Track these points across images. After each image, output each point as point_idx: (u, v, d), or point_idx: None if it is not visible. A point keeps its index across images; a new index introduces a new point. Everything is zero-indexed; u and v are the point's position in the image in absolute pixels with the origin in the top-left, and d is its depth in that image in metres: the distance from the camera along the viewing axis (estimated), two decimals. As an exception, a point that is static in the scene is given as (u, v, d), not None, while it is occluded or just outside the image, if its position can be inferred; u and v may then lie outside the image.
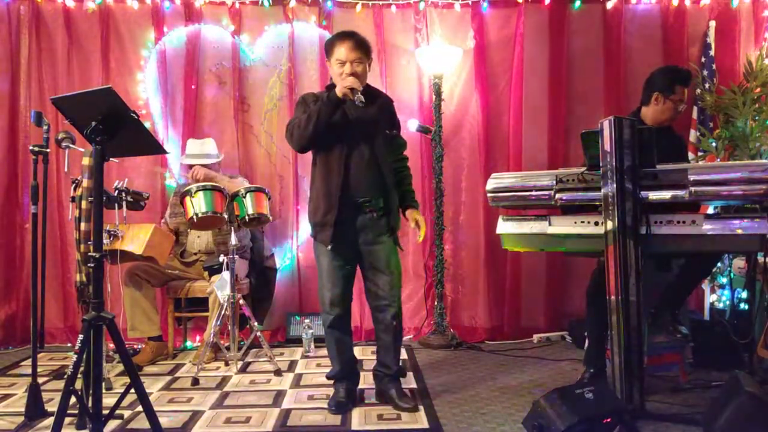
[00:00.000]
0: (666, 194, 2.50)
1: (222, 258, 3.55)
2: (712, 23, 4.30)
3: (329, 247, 2.78)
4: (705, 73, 4.25)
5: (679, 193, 2.46)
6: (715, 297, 4.03)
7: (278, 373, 3.49)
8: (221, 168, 4.06)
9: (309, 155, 4.18)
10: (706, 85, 4.21)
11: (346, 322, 2.95)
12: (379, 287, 2.88)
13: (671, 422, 2.65)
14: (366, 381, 3.29)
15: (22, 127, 4.21)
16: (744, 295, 3.62)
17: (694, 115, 4.26)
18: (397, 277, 2.91)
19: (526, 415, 2.38)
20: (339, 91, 2.67)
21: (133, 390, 2.14)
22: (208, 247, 3.98)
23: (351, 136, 2.78)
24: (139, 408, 2.30)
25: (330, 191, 2.77)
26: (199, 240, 3.99)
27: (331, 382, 3.03)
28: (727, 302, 3.85)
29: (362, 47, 2.77)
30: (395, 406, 2.88)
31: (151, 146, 2.41)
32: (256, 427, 2.71)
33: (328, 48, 2.81)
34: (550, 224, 2.74)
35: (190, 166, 3.94)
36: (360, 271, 2.96)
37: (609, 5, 4.32)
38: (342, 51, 2.74)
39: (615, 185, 2.49)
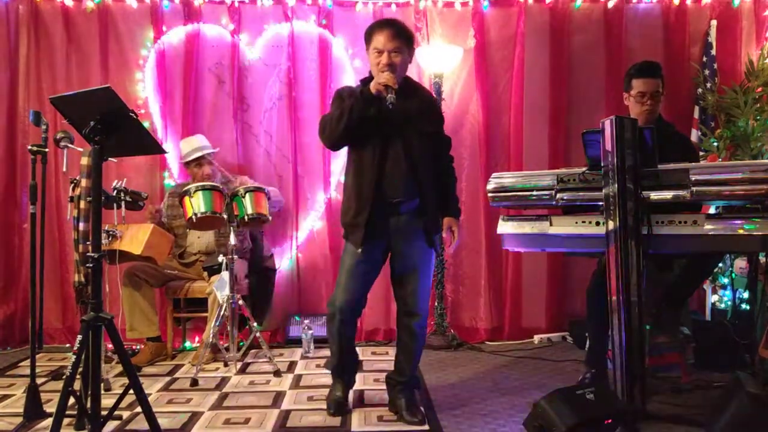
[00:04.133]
0: (667, 194, 2.49)
1: (221, 258, 3.53)
2: (714, 22, 4.29)
3: (360, 250, 2.65)
4: (706, 72, 4.24)
5: (681, 193, 2.44)
6: (717, 297, 4.02)
7: (278, 374, 3.47)
8: (215, 163, 4.03)
9: (309, 155, 4.30)
10: (708, 85, 4.20)
11: (353, 322, 2.83)
12: (408, 294, 2.74)
13: (672, 423, 2.64)
14: (366, 382, 3.29)
15: (20, 126, 4.20)
16: (745, 295, 3.61)
17: (696, 114, 4.25)
18: (427, 284, 2.78)
19: (527, 416, 2.37)
20: (373, 87, 2.52)
21: (131, 391, 2.12)
22: (208, 248, 3.96)
23: (386, 134, 2.62)
24: (138, 409, 2.30)
25: (362, 192, 2.63)
26: (198, 240, 3.98)
27: (330, 381, 2.97)
28: (729, 303, 3.84)
29: (402, 36, 2.59)
30: (400, 417, 2.76)
31: (150, 146, 2.40)
32: (255, 428, 2.70)
33: (367, 36, 2.64)
34: (551, 224, 2.73)
35: (194, 164, 3.90)
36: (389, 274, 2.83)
37: (610, 4, 4.30)
38: (380, 39, 2.56)
39: (616, 185, 2.48)
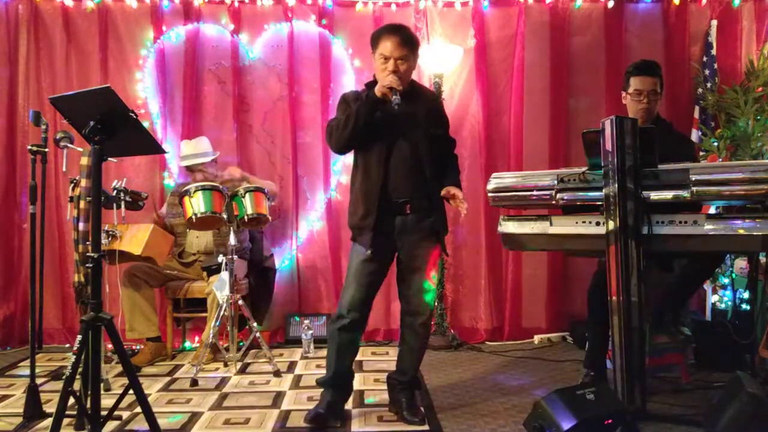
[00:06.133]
0: (668, 194, 2.48)
1: (221, 258, 3.53)
2: (714, 22, 4.28)
3: (369, 251, 2.65)
4: (707, 72, 4.24)
5: (681, 193, 2.44)
6: (717, 297, 4.02)
7: (277, 374, 3.47)
8: (217, 166, 4.03)
9: (309, 155, 4.30)
10: (708, 85, 4.20)
11: (357, 330, 2.75)
12: (413, 293, 2.74)
13: (673, 423, 2.64)
14: (366, 382, 3.29)
15: (20, 126, 4.19)
16: (746, 295, 3.60)
17: (696, 114, 4.25)
18: (433, 285, 2.77)
19: (527, 416, 2.37)
20: (378, 90, 2.55)
21: (131, 391, 2.12)
22: (207, 248, 3.96)
23: (392, 136, 2.64)
24: (138, 409, 2.30)
25: (369, 194, 2.64)
26: (197, 240, 3.98)
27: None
28: (729, 303, 3.84)
29: (409, 44, 2.62)
30: (401, 417, 2.76)
31: (150, 146, 2.40)
32: (255, 428, 2.70)
33: (374, 40, 2.65)
34: (551, 224, 2.73)
35: (189, 169, 3.92)
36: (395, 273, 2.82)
37: (610, 4, 4.30)
38: (387, 46, 2.58)
39: (617, 185, 2.47)
